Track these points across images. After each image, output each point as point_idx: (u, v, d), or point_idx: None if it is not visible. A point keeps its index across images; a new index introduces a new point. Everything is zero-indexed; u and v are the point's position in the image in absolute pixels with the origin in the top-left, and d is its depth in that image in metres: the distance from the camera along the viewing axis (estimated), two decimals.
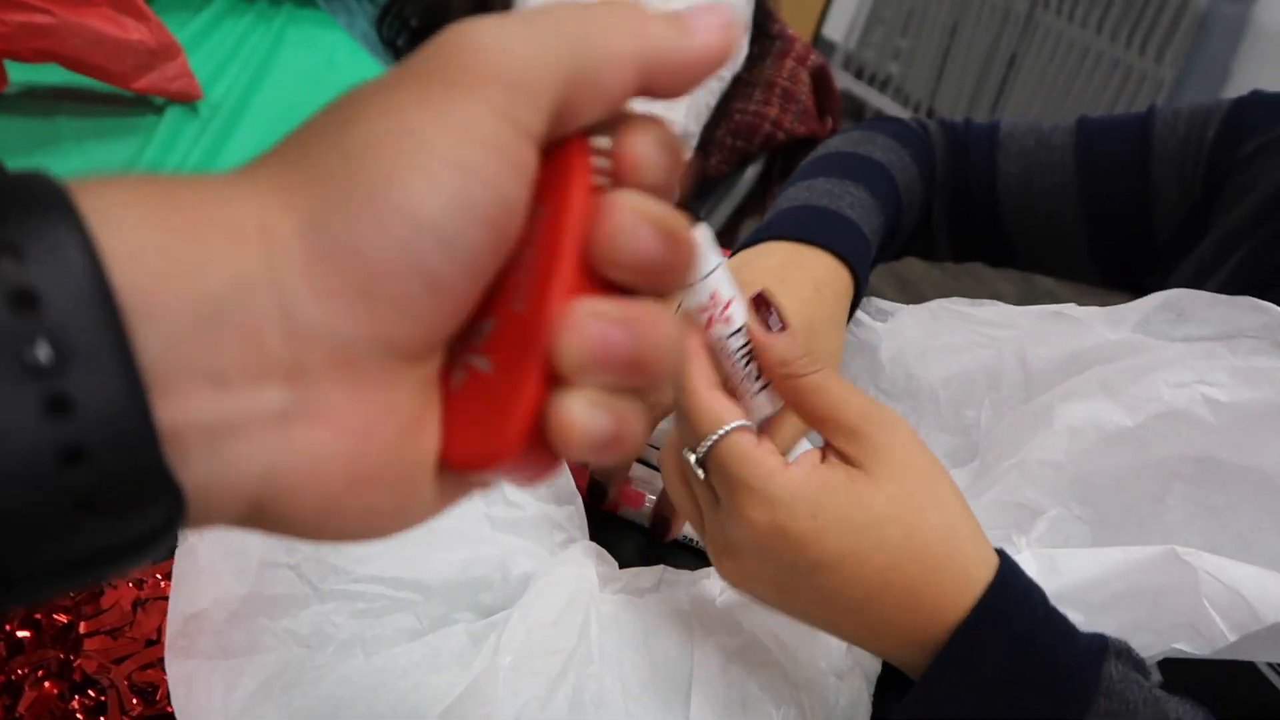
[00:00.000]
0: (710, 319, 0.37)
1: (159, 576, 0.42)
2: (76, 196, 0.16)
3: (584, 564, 0.43)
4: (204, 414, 0.17)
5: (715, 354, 0.38)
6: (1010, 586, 0.36)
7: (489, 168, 0.19)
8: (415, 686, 0.37)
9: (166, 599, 0.41)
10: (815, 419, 0.37)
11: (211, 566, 0.39)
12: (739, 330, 0.37)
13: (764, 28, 1.24)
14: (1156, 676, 0.37)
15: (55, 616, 0.38)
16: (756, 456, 0.35)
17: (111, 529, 0.16)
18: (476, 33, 0.19)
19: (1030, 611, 0.35)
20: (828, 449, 0.37)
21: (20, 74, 0.77)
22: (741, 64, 1.20)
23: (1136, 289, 0.69)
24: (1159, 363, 0.49)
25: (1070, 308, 0.56)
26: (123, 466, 0.16)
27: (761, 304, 0.37)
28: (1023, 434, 0.55)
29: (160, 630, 0.40)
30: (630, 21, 0.20)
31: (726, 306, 0.37)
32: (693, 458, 0.36)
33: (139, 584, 0.41)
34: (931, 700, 0.34)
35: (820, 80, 1.30)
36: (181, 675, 0.35)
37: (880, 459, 0.36)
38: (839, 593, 0.35)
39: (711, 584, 0.45)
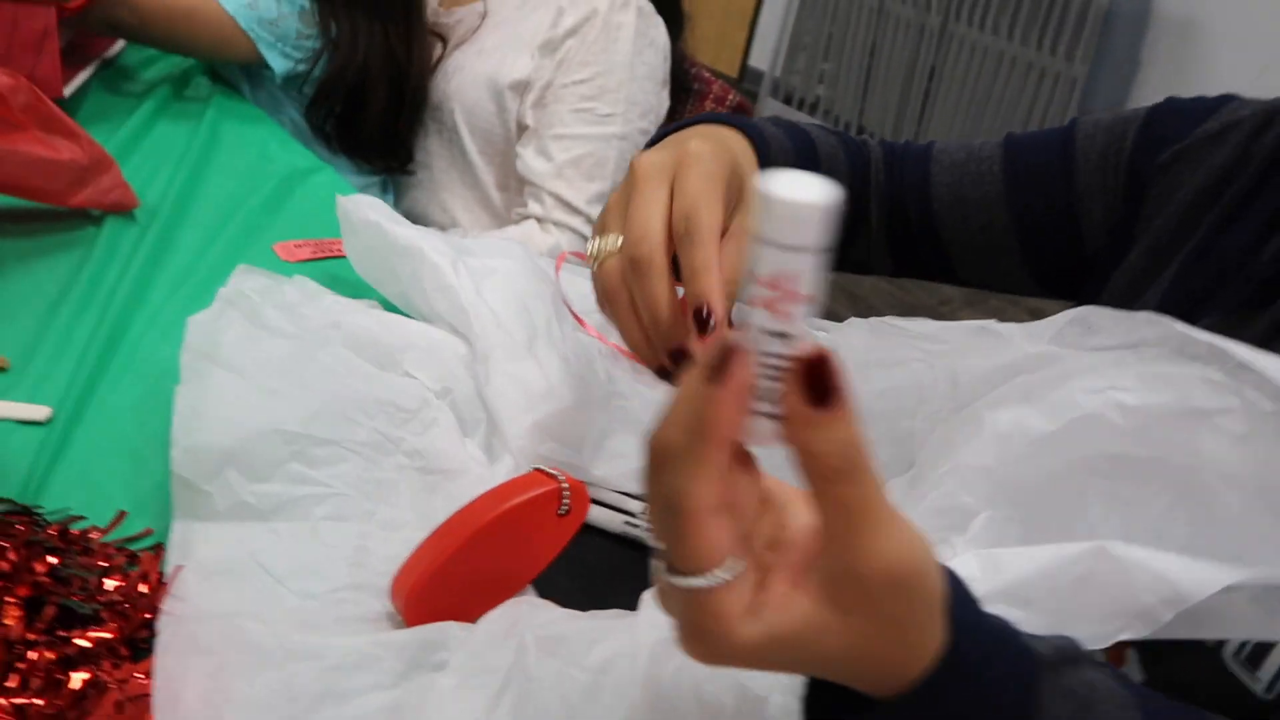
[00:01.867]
0: (769, 301, 0.31)
1: (139, 675, 0.44)
2: None
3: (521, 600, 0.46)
4: None
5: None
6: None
7: None
8: None
9: (149, 696, 0.43)
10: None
11: (193, 642, 0.42)
12: (788, 337, 0.31)
13: (682, 80, 1.29)
14: (1139, 675, 0.39)
15: None
16: (725, 627, 0.31)
17: None
18: None
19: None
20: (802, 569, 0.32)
21: None
22: (663, 118, 1.25)
23: (1074, 297, 0.71)
24: (1074, 371, 0.53)
25: (993, 324, 0.61)
26: None
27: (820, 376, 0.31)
28: (954, 441, 0.59)
29: None
30: None
31: (793, 299, 0.31)
32: (664, 576, 0.32)
33: (121, 684, 0.43)
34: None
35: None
36: None
37: (860, 580, 0.31)
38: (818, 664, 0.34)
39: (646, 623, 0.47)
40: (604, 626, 0.47)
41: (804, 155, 0.69)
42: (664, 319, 0.45)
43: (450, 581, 0.47)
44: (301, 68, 1.15)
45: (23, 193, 0.80)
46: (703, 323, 0.43)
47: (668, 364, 0.46)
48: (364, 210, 0.73)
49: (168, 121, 1.08)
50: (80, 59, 1.11)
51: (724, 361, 0.30)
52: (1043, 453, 0.54)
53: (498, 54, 1.19)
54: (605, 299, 0.49)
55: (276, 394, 0.55)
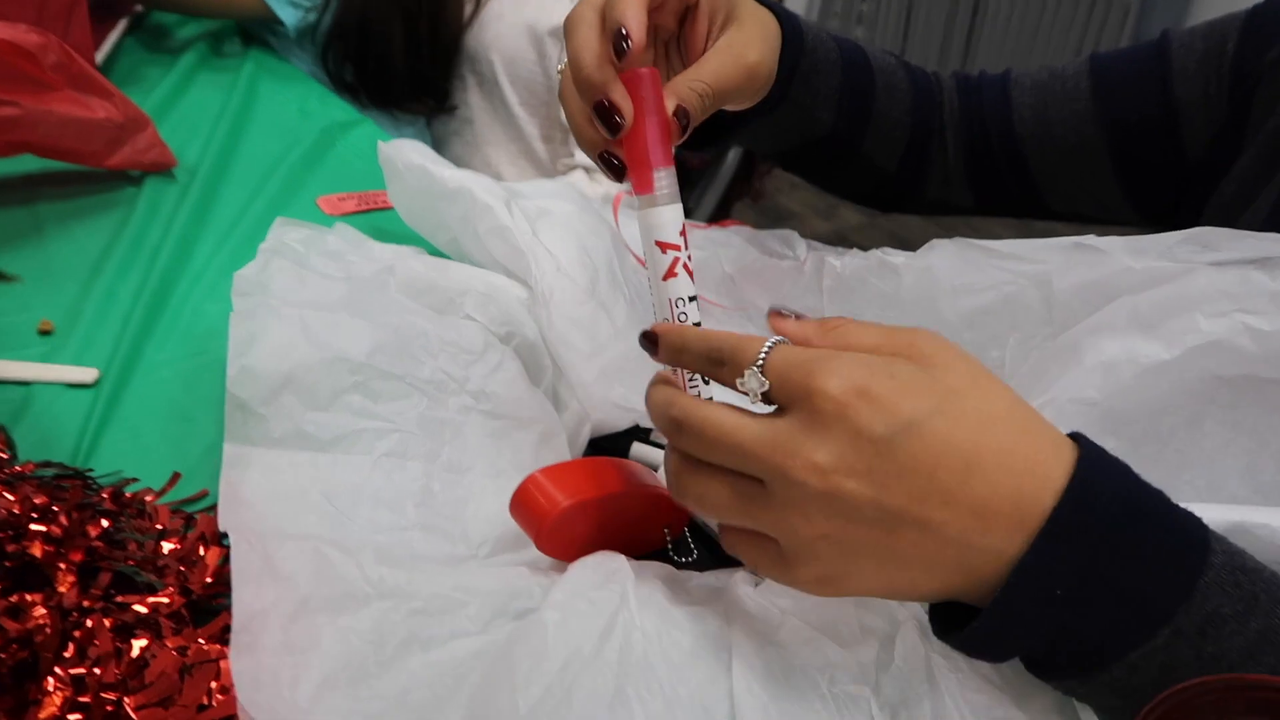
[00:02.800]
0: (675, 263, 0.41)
1: (202, 641, 0.41)
2: None
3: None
4: None
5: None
6: (1101, 454, 0.34)
7: None
8: (475, 671, 0.37)
9: (214, 662, 0.40)
10: (869, 348, 0.35)
11: (270, 566, 0.39)
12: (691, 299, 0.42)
13: None
14: None
15: (103, 695, 0.38)
16: (817, 344, 0.35)
17: None
18: None
19: (1127, 476, 0.34)
20: None
21: None
22: None
23: (1171, 218, 0.67)
24: (1191, 291, 0.48)
25: (1091, 238, 0.55)
26: None
27: (776, 314, 0.37)
28: (1051, 372, 0.55)
29: (211, 694, 0.40)
30: None
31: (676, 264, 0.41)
32: (756, 378, 0.35)
33: (182, 650, 0.41)
34: (1052, 557, 0.32)
35: None
36: (247, 670, 0.35)
37: (938, 354, 0.34)
38: (938, 463, 0.32)
39: (742, 581, 0.44)
40: (699, 589, 0.44)
41: (852, 61, 0.66)
42: (587, 67, 0.43)
43: (585, 518, 0.45)
44: (311, 17, 1.12)
45: (59, 154, 0.78)
46: (621, 50, 0.42)
47: (597, 130, 0.45)
48: (408, 154, 0.69)
49: (203, 80, 1.05)
50: (110, 14, 1.08)
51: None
52: (1154, 382, 0.49)
53: (536, 0, 1.15)
54: (560, 103, 0.49)
55: (336, 325, 0.52)
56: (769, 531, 0.35)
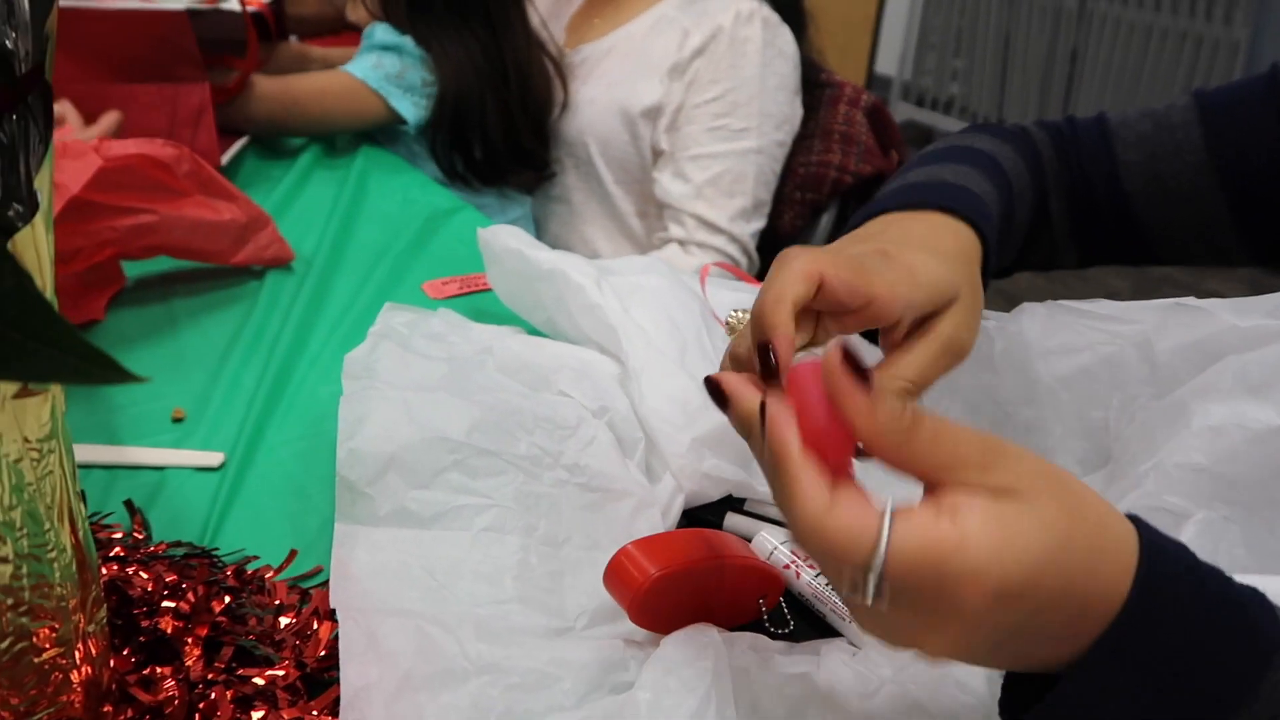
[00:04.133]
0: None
1: (315, 713, 0.43)
2: None
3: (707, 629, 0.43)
4: None
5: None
6: (1162, 549, 0.33)
7: None
8: None
9: None
10: (937, 468, 0.33)
11: (374, 643, 0.41)
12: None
13: (812, 79, 1.26)
14: None
15: None
16: (933, 540, 0.31)
17: None
18: None
19: (1188, 576, 0.33)
20: (952, 489, 0.32)
21: (132, 269, 0.84)
22: (798, 129, 1.22)
23: None
24: None
25: (1190, 301, 0.54)
26: None
27: (849, 358, 0.33)
28: (1157, 436, 0.53)
29: None
30: None
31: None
32: (869, 589, 0.31)
33: None
34: (1102, 670, 0.32)
35: (877, 117, 1.30)
36: None
37: (1025, 473, 0.33)
38: (1046, 620, 0.32)
39: (839, 650, 0.44)
40: (793, 660, 0.44)
41: (1003, 193, 0.61)
42: (740, 357, 0.43)
43: (678, 589, 0.45)
44: (426, 112, 1.19)
45: (190, 254, 0.84)
46: (767, 364, 0.39)
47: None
48: (505, 239, 0.73)
49: (319, 178, 1.13)
50: (235, 130, 1.17)
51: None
52: (1265, 448, 0.47)
53: (627, 83, 1.19)
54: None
55: (437, 406, 0.55)
56: None
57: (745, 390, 0.37)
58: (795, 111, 1.21)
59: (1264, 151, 0.62)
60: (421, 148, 1.25)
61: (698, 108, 1.15)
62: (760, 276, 1.20)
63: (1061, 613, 0.32)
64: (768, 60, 1.15)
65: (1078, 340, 0.58)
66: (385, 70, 1.16)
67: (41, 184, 0.31)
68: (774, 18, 1.16)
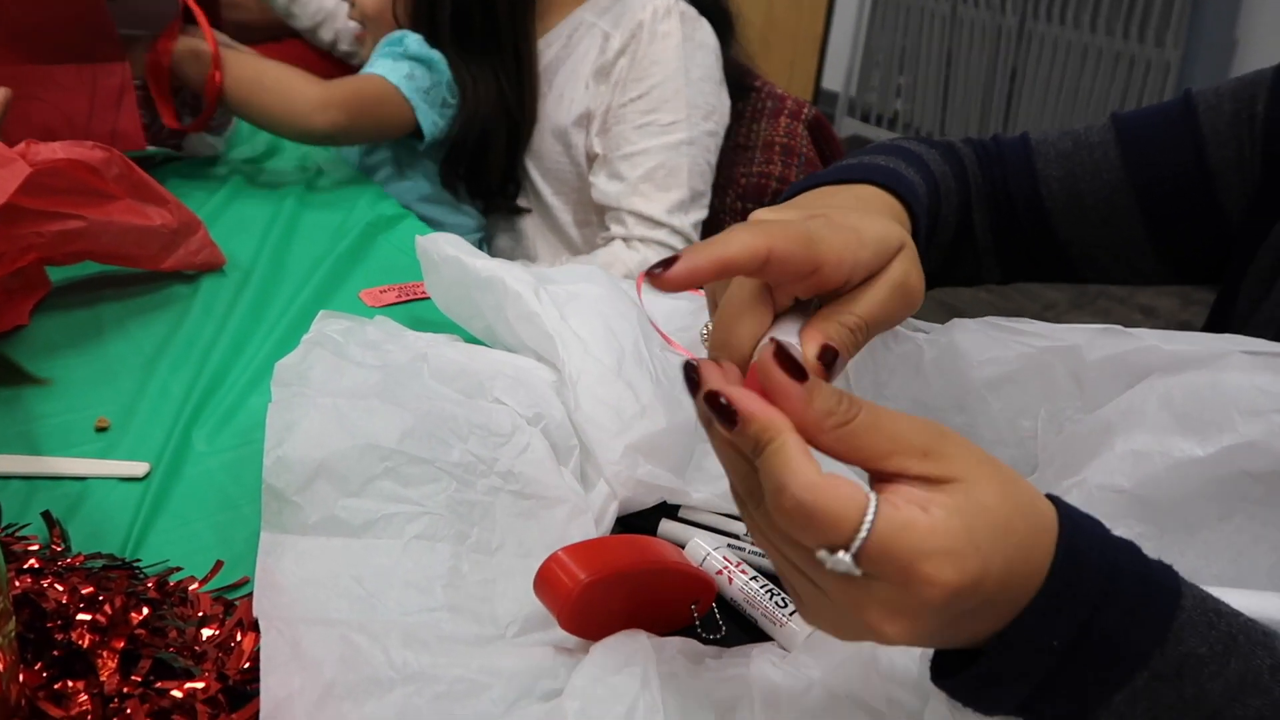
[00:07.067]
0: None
1: None
2: None
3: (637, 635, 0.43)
4: None
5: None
6: (1079, 517, 0.36)
7: None
8: None
9: None
10: (878, 456, 0.34)
11: (297, 652, 0.40)
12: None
13: (745, 84, 1.27)
14: None
15: None
16: (910, 521, 0.32)
17: None
18: None
19: (1104, 535, 0.36)
20: (898, 480, 0.34)
21: (58, 274, 0.82)
22: (727, 120, 1.23)
23: (1215, 278, 0.66)
24: (1228, 385, 0.47)
25: (1118, 328, 0.55)
26: None
27: (781, 353, 0.34)
28: (1082, 454, 0.54)
29: None
30: None
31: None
32: (846, 559, 0.32)
33: None
34: (1043, 615, 0.34)
35: (818, 130, 1.31)
36: None
37: (964, 461, 0.34)
38: (991, 601, 0.34)
39: (769, 652, 0.44)
40: (724, 663, 0.44)
41: (932, 199, 0.63)
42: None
43: (609, 595, 0.45)
44: (443, 131, 1.19)
45: (118, 259, 0.82)
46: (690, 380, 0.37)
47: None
48: (443, 247, 0.72)
49: (254, 190, 1.11)
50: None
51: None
52: (1186, 476, 0.49)
53: (553, 97, 1.19)
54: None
55: (369, 413, 0.54)
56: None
57: (715, 375, 0.36)
58: (722, 102, 1.21)
59: (1179, 176, 0.64)
60: (419, 159, 1.23)
61: (624, 107, 1.16)
62: None
63: (1005, 593, 0.34)
64: (689, 53, 1.16)
65: (1006, 352, 0.59)
66: (418, 82, 1.14)
67: None
68: (691, 11, 1.17)
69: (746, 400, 0.34)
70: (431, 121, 1.16)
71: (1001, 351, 0.59)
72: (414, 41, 1.16)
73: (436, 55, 1.16)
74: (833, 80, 3.82)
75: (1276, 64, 0.63)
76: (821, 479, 0.33)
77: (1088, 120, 2.97)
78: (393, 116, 1.14)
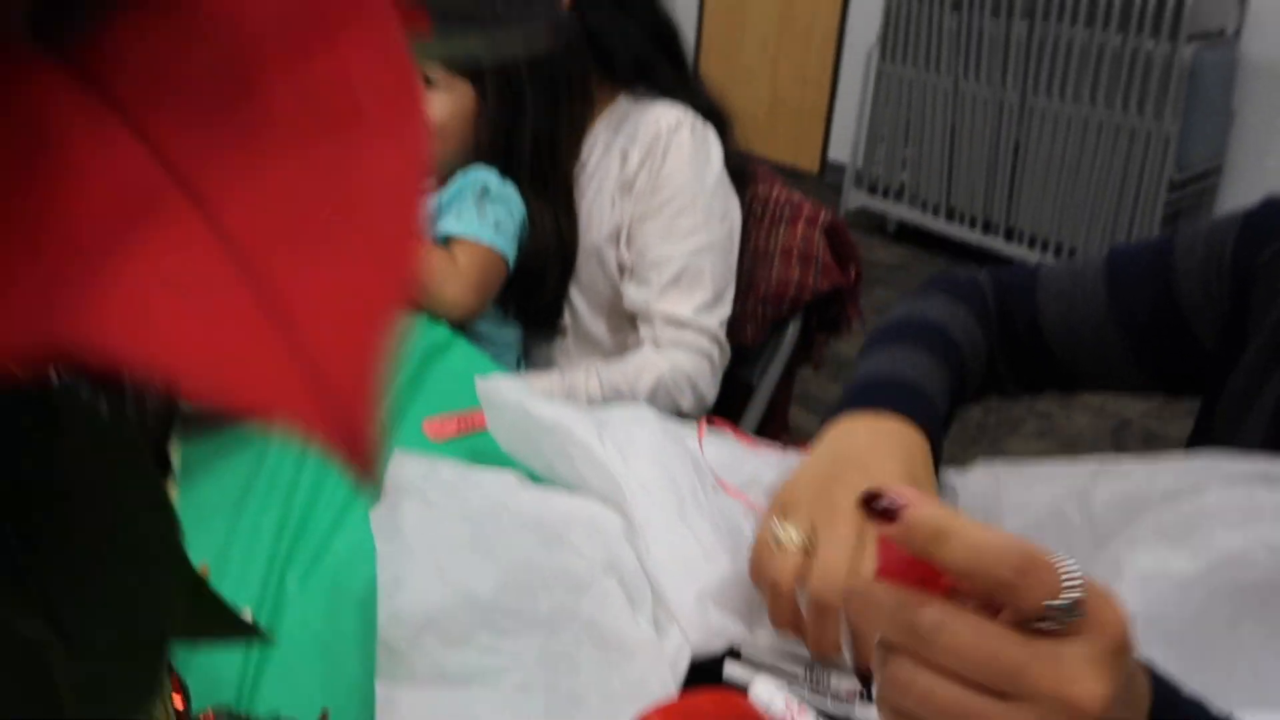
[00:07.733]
0: None
1: None
2: None
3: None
4: None
5: None
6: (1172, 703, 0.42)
7: None
8: None
9: None
10: (1005, 572, 0.36)
11: None
12: None
13: (743, 171, 1.32)
14: None
15: None
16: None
17: None
18: None
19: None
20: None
21: None
22: (740, 216, 1.30)
23: (1199, 390, 0.75)
24: (1208, 507, 0.54)
25: (1110, 465, 0.62)
26: None
27: (872, 500, 0.38)
28: None
29: None
30: None
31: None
32: (1076, 592, 0.36)
33: None
34: None
35: (835, 235, 1.39)
36: None
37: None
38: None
39: None
40: None
41: (955, 373, 0.73)
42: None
43: None
44: (515, 263, 1.25)
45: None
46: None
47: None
48: (504, 392, 0.79)
49: None
50: None
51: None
52: (1189, 593, 0.55)
53: (584, 217, 1.27)
54: (773, 594, 0.58)
55: (466, 566, 0.60)
56: None
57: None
58: (733, 202, 1.29)
59: (1156, 310, 0.72)
60: None
61: (646, 217, 1.23)
62: (732, 368, 1.27)
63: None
64: (700, 163, 1.24)
65: (1025, 495, 0.65)
66: (503, 228, 1.20)
67: None
68: (698, 122, 1.25)
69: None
70: (512, 258, 1.23)
71: (1017, 495, 0.66)
72: (495, 183, 1.22)
73: (512, 192, 1.23)
74: (839, 151, 3.92)
75: (1247, 208, 0.71)
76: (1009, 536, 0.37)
77: (1090, 192, 3.05)
78: (500, 275, 1.21)
